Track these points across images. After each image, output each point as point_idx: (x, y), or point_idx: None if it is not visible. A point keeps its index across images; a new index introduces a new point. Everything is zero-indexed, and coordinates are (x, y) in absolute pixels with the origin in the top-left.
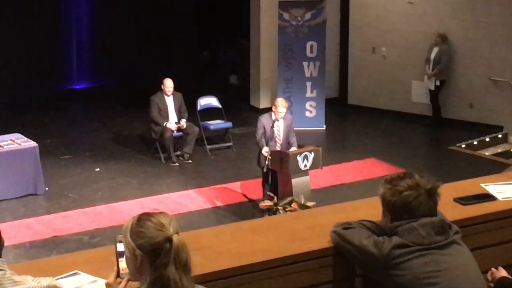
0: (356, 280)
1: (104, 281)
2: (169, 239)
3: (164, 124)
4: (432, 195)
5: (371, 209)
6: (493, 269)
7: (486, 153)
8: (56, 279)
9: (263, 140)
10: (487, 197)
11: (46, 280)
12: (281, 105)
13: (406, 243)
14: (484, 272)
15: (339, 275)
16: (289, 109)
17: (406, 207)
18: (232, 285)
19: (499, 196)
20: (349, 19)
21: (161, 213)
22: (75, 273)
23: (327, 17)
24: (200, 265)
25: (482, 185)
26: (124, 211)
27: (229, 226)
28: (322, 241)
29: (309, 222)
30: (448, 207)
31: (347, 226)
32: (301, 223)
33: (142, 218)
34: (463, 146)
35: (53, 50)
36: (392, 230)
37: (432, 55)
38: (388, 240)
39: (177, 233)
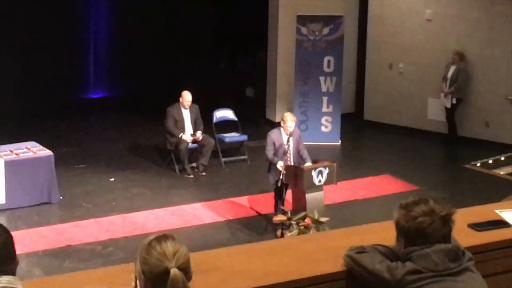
0: None
1: None
2: (167, 272)
3: (180, 136)
4: (446, 221)
5: (385, 233)
6: None
7: (501, 172)
8: None
9: (274, 157)
10: (502, 223)
11: None
12: (289, 119)
13: (420, 269)
14: None
15: None
16: (305, 123)
17: (420, 233)
18: None
19: None
20: (367, 34)
21: (173, 239)
22: None
23: (345, 32)
24: (213, 286)
25: (497, 211)
26: (138, 221)
27: (242, 247)
28: (335, 264)
29: (323, 245)
30: (462, 233)
31: (361, 250)
32: (314, 246)
33: (151, 244)
34: (478, 164)
35: (70, 59)
36: (405, 256)
37: (449, 73)
38: (401, 266)
39: (181, 265)
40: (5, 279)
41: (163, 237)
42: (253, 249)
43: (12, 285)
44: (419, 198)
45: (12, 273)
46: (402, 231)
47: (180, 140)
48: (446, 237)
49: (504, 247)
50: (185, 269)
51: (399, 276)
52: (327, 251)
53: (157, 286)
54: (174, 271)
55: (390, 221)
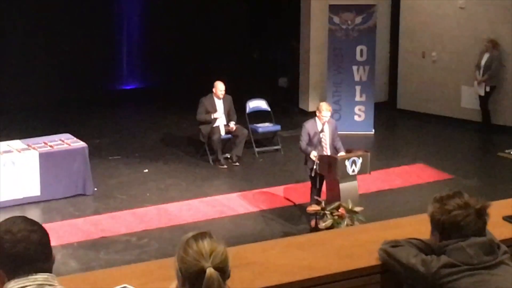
0: None
1: None
2: (203, 271)
3: (212, 117)
4: (481, 214)
5: (419, 227)
6: None
7: None
8: None
9: (308, 147)
10: None
11: None
12: (325, 109)
13: (455, 263)
14: None
15: None
16: (338, 113)
17: (455, 226)
18: None
19: None
20: (400, 23)
21: (210, 238)
22: (124, 287)
23: (377, 21)
24: (248, 280)
25: None
26: (172, 212)
27: (277, 242)
28: (370, 258)
29: (357, 239)
30: (497, 226)
31: (395, 244)
32: (348, 240)
33: (189, 242)
34: None
35: (103, 51)
36: (440, 249)
37: (483, 61)
38: (436, 259)
39: (218, 264)
40: (41, 276)
41: (200, 235)
42: (288, 244)
43: (48, 283)
44: (453, 191)
45: (49, 270)
46: (437, 225)
47: (213, 131)
48: (481, 230)
49: None
50: (222, 268)
51: (434, 269)
52: (361, 245)
53: (194, 285)
54: (210, 270)
55: (424, 214)
